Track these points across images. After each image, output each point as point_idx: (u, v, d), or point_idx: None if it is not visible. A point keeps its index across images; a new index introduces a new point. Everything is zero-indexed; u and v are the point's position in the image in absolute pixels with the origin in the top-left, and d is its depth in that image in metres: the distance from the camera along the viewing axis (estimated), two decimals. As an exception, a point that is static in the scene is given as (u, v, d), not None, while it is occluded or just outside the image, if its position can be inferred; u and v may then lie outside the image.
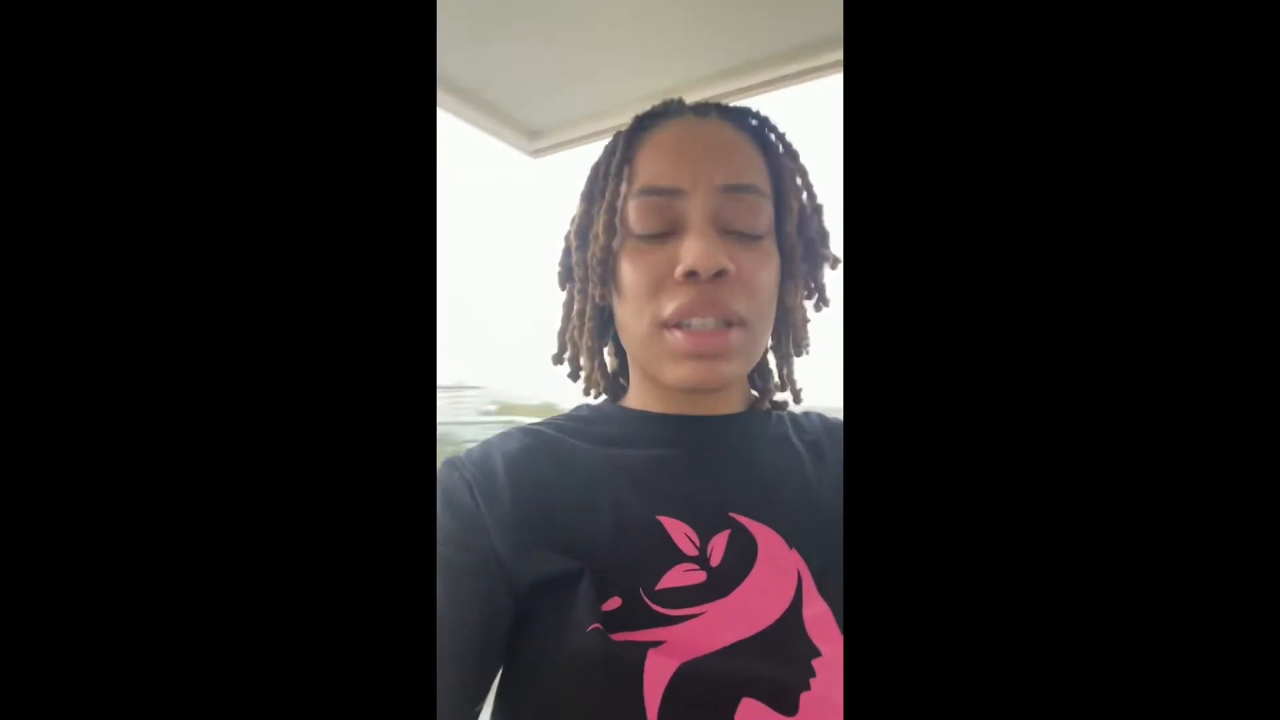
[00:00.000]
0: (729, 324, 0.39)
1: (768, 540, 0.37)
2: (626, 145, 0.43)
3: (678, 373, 0.40)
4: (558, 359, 0.49)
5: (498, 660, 0.36)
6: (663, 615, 0.33)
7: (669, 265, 0.39)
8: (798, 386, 0.48)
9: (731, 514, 0.38)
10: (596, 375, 0.48)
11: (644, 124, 0.44)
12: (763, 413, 0.47)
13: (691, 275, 0.38)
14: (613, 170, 0.42)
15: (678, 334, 0.39)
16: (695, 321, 0.39)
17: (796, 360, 0.49)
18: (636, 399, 0.46)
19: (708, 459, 0.42)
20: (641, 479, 0.40)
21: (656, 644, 0.32)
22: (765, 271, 0.41)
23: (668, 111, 0.44)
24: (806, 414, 0.49)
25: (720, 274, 0.38)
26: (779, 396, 0.50)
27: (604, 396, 0.50)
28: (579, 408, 0.48)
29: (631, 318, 0.41)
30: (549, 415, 0.49)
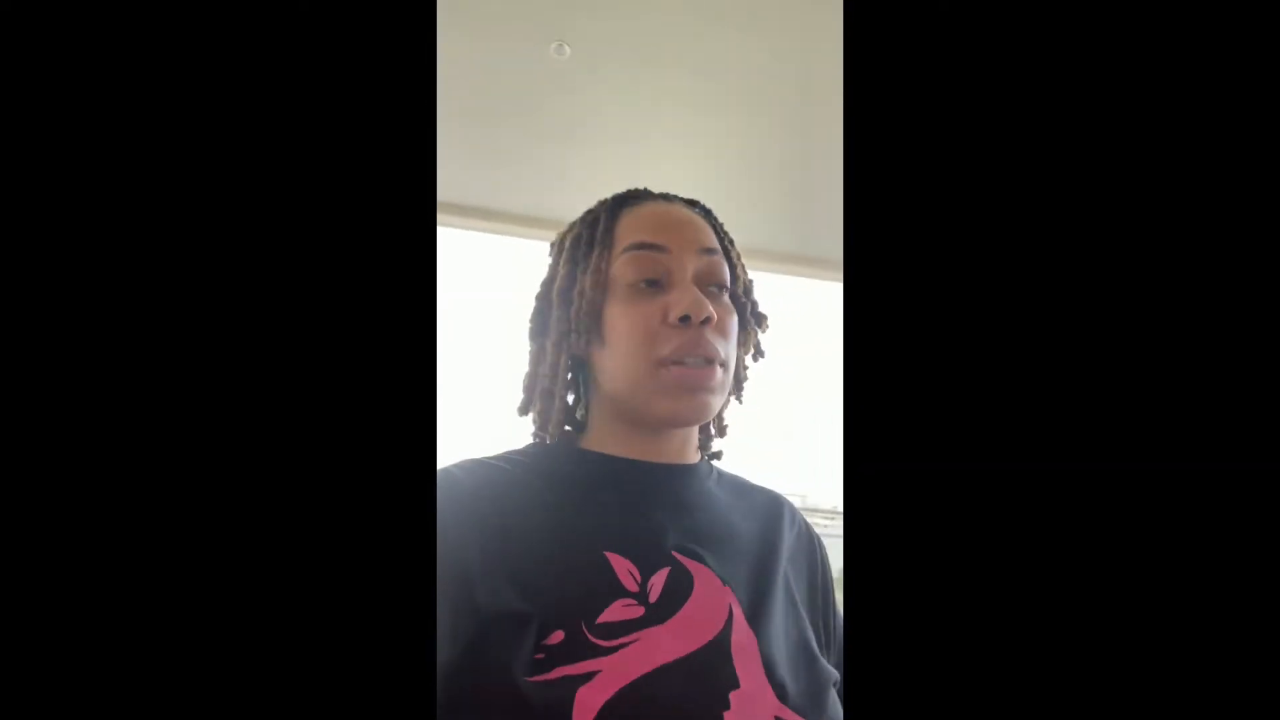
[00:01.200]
0: (711, 361, 0.45)
1: (703, 577, 0.42)
2: (610, 217, 0.50)
3: (670, 406, 0.45)
4: (525, 409, 0.53)
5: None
6: (601, 647, 0.36)
7: (660, 313, 0.45)
8: (725, 424, 0.56)
9: (673, 553, 0.42)
10: (559, 421, 0.52)
11: (622, 203, 0.51)
12: (706, 465, 0.53)
13: (684, 320, 0.44)
14: (598, 237, 0.49)
15: (674, 370, 0.44)
16: (690, 359, 0.44)
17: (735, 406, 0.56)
18: (595, 442, 0.50)
19: (655, 501, 0.46)
20: (594, 516, 0.44)
21: (590, 675, 0.34)
22: (731, 321, 0.48)
23: (639, 196, 0.52)
24: (748, 482, 0.55)
25: (706, 320, 0.44)
26: (714, 447, 0.56)
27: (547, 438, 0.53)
28: (532, 445, 0.52)
29: (622, 361, 0.46)
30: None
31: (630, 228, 0.48)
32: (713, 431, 0.55)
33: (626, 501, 0.45)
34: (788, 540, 0.49)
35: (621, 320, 0.46)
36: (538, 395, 0.51)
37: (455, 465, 0.47)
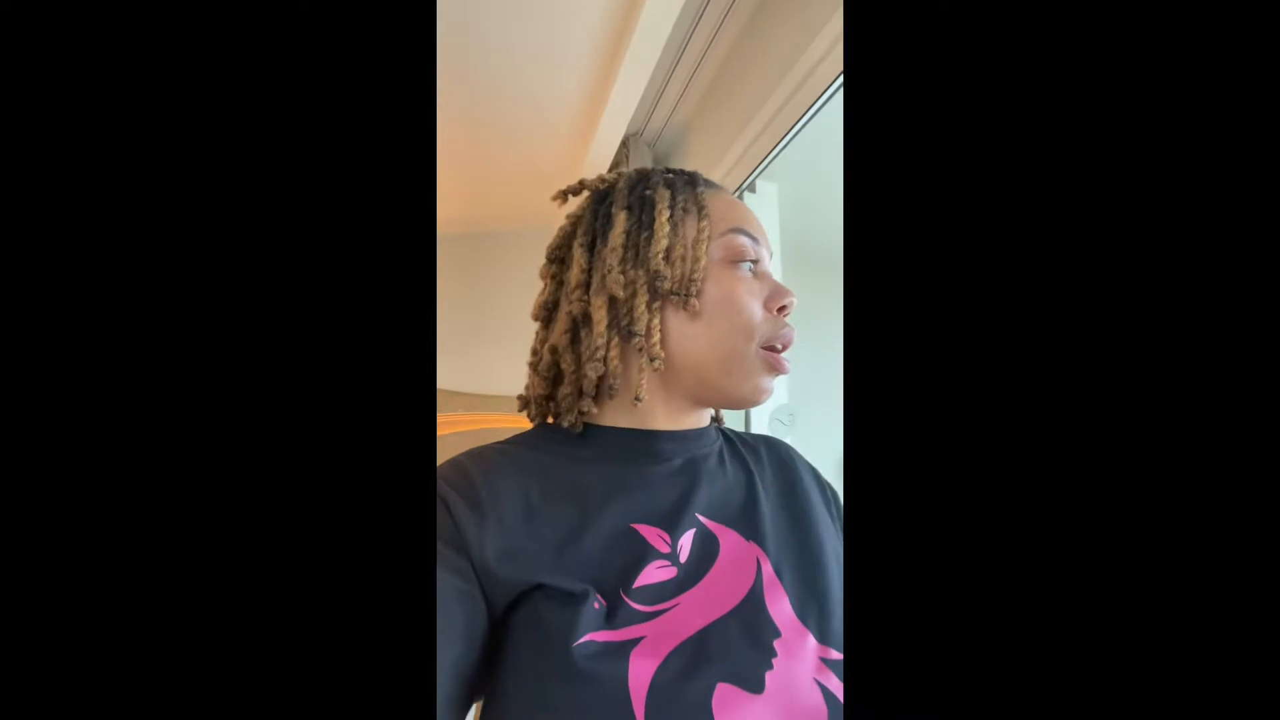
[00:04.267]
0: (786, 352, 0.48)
1: (727, 537, 0.43)
2: (699, 195, 0.50)
3: (757, 385, 0.47)
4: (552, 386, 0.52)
5: (475, 680, 0.37)
6: (641, 612, 0.36)
7: (761, 296, 0.48)
8: None
9: (696, 514, 0.44)
10: (585, 392, 0.49)
11: (699, 181, 0.52)
12: (717, 428, 0.55)
13: (782, 310, 0.48)
14: (691, 207, 0.49)
15: (771, 355, 0.47)
16: (780, 345, 0.48)
17: None
18: (608, 417, 0.50)
19: (677, 469, 0.47)
20: (618, 490, 0.44)
21: (637, 640, 0.34)
22: None
23: (709, 181, 0.52)
24: (751, 434, 0.57)
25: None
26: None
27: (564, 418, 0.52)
28: (542, 426, 0.51)
29: (722, 335, 0.46)
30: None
31: (724, 210, 0.50)
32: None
33: (649, 472, 0.46)
34: (808, 482, 0.52)
35: (734, 296, 0.47)
36: (582, 367, 0.48)
37: (462, 455, 0.46)
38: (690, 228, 0.48)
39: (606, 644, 0.34)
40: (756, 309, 0.47)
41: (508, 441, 0.49)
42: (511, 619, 0.37)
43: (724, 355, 0.47)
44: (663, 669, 0.33)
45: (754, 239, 0.49)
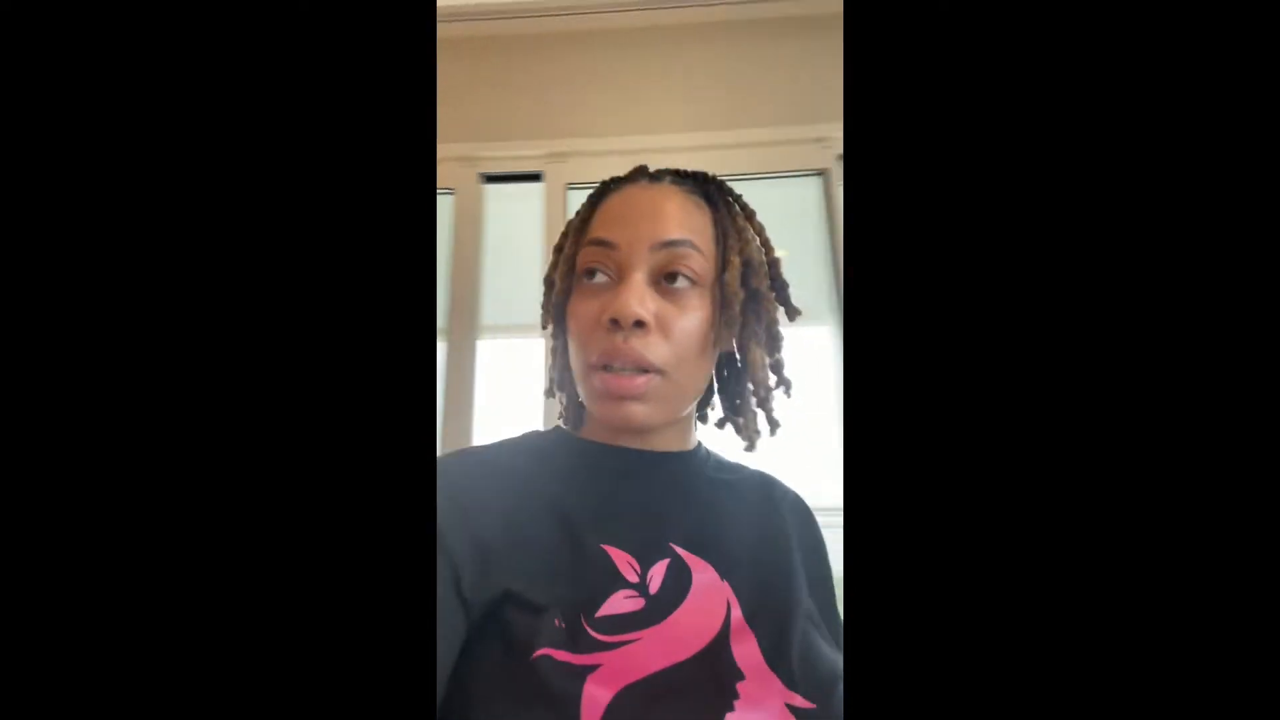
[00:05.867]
0: (644, 370, 0.42)
1: (701, 571, 0.40)
2: (589, 206, 0.49)
3: (599, 410, 0.44)
4: (549, 393, 0.53)
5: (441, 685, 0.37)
6: (601, 642, 0.35)
7: (601, 312, 0.43)
8: (755, 429, 0.50)
9: (671, 544, 0.41)
10: (566, 405, 0.52)
11: (608, 188, 0.49)
12: (703, 451, 0.51)
13: (613, 323, 0.42)
14: (575, 226, 0.49)
15: (601, 376, 0.43)
16: (615, 365, 0.42)
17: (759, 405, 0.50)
18: (589, 430, 0.50)
19: (653, 491, 0.45)
20: (591, 507, 0.42)
21: (594, 667, 0.33)
22: (688, 320, 0.43)
23: (630, 178, 0.49)
24: (735, 465, 0.53)
25: (639, 324, 0.41)
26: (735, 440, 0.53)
27: (565, 425, 0.53)
28: (528, 434, 0.51)
29: (573, 356, 0.46)
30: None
31: (599, 218, 0.46)
32: (741, 424, 0.51)
33: (623, 491, 0.44)
34: (791, 524, 0.49)
35: (573, 315, 0.45)
36: (554, 382, 0.52)
37: (449, 454, 0.45)
38: (565, 250, 0.48)
39: (564, 664, 0.33)
40: (585, 325, 0.43)
41: (491, 445, 0.48)
42: (481, 625, 0.36)
43: (577, 379, 0.46)
44: (618, 700, 0.32)
45: (604, 244, 0.44)
